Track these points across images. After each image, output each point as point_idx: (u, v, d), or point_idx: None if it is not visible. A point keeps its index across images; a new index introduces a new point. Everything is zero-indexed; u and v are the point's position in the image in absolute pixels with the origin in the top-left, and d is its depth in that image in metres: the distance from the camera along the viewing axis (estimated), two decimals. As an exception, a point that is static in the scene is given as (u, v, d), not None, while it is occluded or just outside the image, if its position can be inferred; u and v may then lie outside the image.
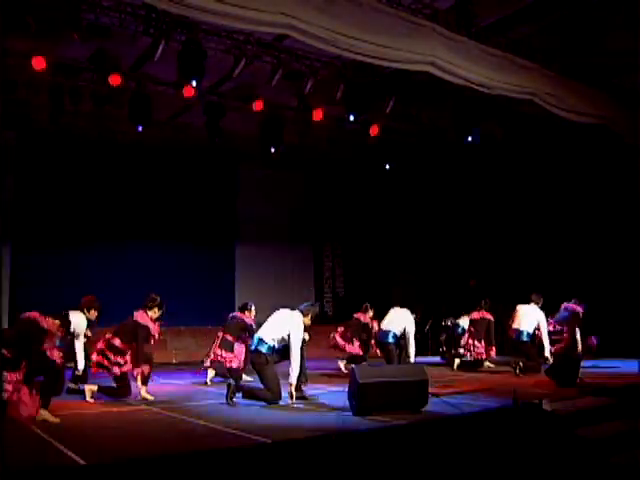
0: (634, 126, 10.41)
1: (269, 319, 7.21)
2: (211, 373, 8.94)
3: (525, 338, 9.97)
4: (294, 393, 6.80)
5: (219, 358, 8.79)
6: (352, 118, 11.24)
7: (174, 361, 13.10)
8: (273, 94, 11.41)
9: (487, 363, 11.05)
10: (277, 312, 7.27)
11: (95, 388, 7.13)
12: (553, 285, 10.72)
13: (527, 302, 10.38)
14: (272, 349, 6.90)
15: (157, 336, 7.31)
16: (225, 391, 6.82)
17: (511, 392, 5.88)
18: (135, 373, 7.05)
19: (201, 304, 13.64)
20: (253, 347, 7.09)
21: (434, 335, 14.67)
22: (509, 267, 13.16)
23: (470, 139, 11.87)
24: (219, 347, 8.86)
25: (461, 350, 11.00)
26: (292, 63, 10.32)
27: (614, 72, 10.77)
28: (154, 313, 7.23)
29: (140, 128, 11.17)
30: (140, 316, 7.16)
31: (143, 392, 7.25)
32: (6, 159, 12.08)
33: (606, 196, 12.75)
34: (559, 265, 12.14)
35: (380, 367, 6.66)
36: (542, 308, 10.20)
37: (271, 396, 6.78)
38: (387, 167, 14.66)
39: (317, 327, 14.88)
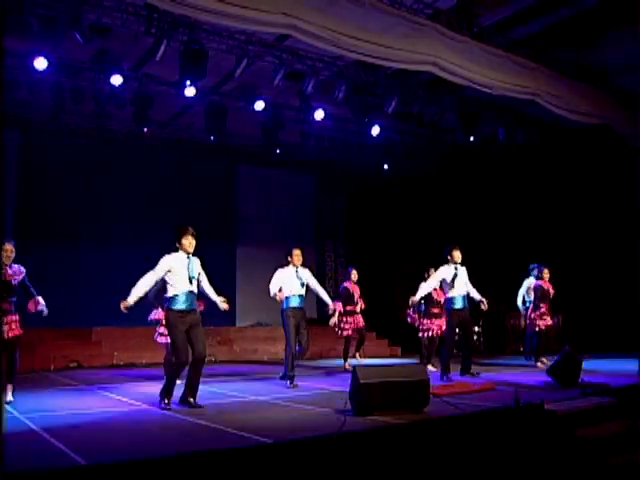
0: (637, 127, 10.39)
1: None
2: None
3: None
4: None
5: None
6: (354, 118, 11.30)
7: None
8: (275, 94, 11.43)
9: None
10: None
11: None
12: (554, 285, 10.72)
13: None
14: None
15: None
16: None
17: (512, 392, 5.87)
18: None
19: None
20: None
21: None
22: (509, 267, 13.14)
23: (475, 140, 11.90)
24: None
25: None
26: (294, 63, 10.34)
27: (616, 73, 10.77)
28: None
29: (145, 130, 11.20)
30: None
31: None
32: (9, 159, 12.10)
33: (607, 196, 12.74)
34: (559, 264, 12.09)
35: (381, 367, 6.66)
36: None
37: None
38: (385, 167, 14.69)
39: (317, 328, 14.98)
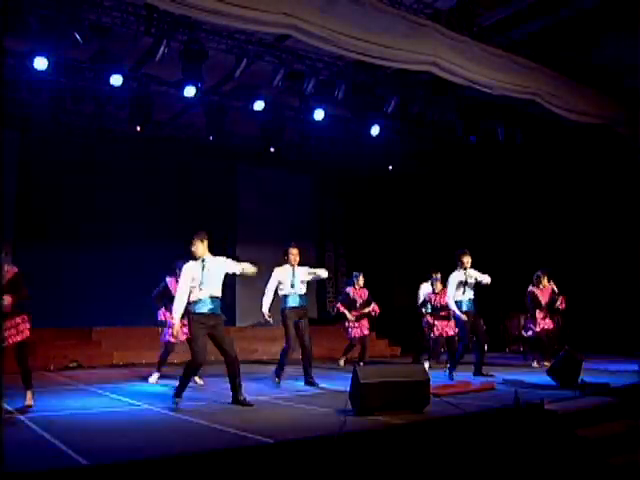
0: (637, 127, 10.39)
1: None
2: None
3: None
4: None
5: None
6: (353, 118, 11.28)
7: (175, 361, 13.06)
8: (275, 94, 11.42)
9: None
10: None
11: None
12: (556, 285, 10.75)
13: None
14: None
15: None
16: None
17: (512, 392, 5.87)
18: None
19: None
20: None
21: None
22: (511, 267, 13.16)
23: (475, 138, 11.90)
24: None
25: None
26: (294, 63, 10.33)
27: (616, 72, 10.77)
28: None
29: (138, 128, 11.18)
30: None
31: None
32: (9, 159, 12.09)
33: (607, 196, 12.74)
34: (560, 264, 12.11)
35: (381, 367, 6.66)
36: None
37: None
38: (390, 168, 14.68)
39: (319, 327, 14.97)
